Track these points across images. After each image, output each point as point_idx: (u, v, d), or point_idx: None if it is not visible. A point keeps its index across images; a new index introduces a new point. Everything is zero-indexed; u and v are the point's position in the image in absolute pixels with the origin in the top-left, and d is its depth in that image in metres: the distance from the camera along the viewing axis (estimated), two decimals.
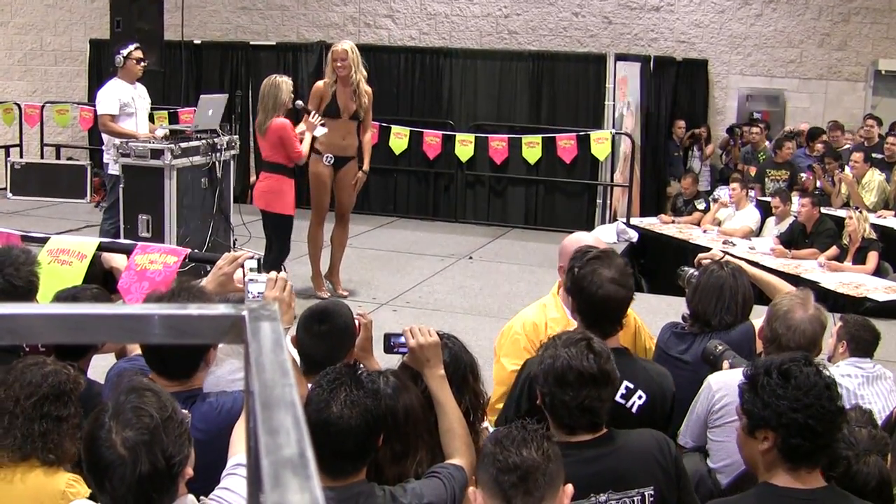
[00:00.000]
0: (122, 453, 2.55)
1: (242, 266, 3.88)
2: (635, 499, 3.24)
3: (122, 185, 9.58)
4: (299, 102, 9.26)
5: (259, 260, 3.91)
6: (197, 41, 16.67)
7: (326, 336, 3.83)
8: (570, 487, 2.80)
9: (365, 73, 9.38)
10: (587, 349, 3.29)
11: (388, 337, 3.71)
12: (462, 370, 3.70)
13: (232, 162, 10.60)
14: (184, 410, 2.85)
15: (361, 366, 3.28)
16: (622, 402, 3.77)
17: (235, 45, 16.49)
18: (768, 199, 12.54)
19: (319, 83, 9.43)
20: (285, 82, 8.93)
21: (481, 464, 2.83)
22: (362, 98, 9.33)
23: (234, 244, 10.39)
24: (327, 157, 9.38)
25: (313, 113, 9.08)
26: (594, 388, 3.25)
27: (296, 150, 8.89)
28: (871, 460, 3.43)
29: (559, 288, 4.55)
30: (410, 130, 14.79)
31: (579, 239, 4.59)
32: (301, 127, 9.11)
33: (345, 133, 9.40)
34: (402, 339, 3.63)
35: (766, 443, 3.04)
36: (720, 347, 4.38)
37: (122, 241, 8.07)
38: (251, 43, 16.39)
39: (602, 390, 3.27)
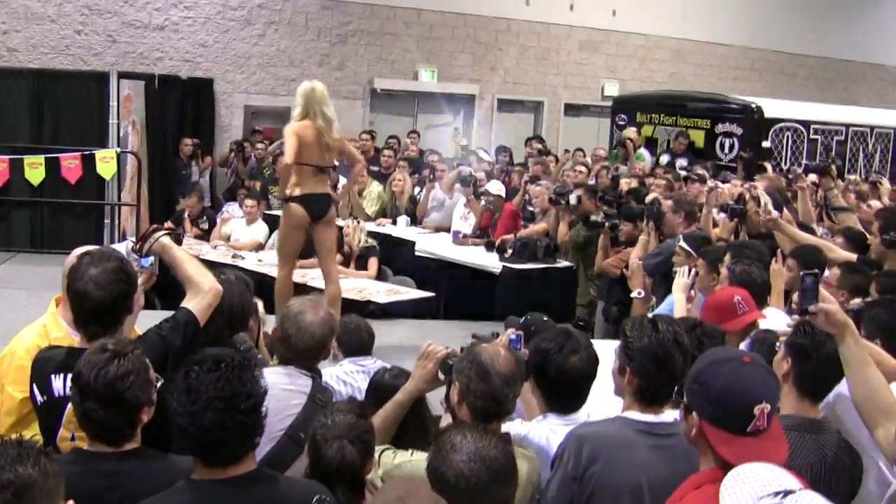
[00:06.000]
0: None
1: None
2: None
3: None
4: None
5: None
6: None
7: None
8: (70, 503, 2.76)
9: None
10: (105, 362, 3.25)
11: None
12: None
13: None
14: None
15: None
16: None
17: None
18: (275, 212, 13.00)
19: None
20: None
21: None
22: None
23: None
24: None
25: None
26: (95, 403, 3.23)
27: None
28: (335, 445, 3.56)
29: (57, 305, 4.40)
30: None
31: (79, 251, 4.18)
32: None
33: None
34: None
35: None
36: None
37: None
38: None
39: (107, 408, 3.25)
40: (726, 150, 15.59)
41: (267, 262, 11.32)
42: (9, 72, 14.95)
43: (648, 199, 10.17)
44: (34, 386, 3.77)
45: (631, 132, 15.67)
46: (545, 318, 5.23)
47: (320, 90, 8.80)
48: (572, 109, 20.98)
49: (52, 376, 3.66)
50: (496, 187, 12.48)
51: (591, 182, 12.66)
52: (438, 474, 3.09)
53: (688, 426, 3.16)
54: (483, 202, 12.41)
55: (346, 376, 5.44)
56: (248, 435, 3.11)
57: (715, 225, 8.91)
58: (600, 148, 15.52)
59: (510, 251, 10.93)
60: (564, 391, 4.13)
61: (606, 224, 9.83)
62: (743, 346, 4.71)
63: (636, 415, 3.77)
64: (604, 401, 4.18)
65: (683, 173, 12.44)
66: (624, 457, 3.65)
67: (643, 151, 15.65)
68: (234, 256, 11.66)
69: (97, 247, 4.18)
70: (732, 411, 3.03)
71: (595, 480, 3.62)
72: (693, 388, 3.13)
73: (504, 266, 10.81)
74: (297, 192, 8.59)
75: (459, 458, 3.07)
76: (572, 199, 10.98)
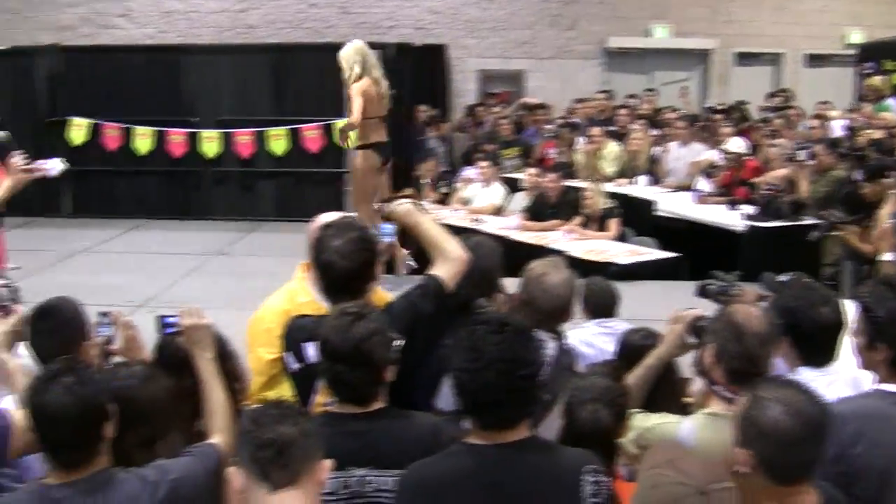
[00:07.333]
0: None
1: None
2: (390, 480, 3.22)
3: None
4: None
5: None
6: None
7: (52, 332, 3.85)
8: (328, 462, 2.80)
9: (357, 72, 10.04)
10: (349, 324, 3.30)
11: (160, 318, 3.75)
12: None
13: None
14: None
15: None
16: None
17: None
18: (510, 175, 13.03)
19: None
20: None
21: (240, 443, 2.80)
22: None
23: None
24: None
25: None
26: (344, 365, 3.27)
27: None
28: (589, 408, 3.60)
29: (305, 271, 4.47)
30: (154, 130, 14.48)
31: (323, 217, 4.38)
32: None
33: None
34: (174, 320, 3.69)
35: None
36: None
37: None
38: None
39: (355, 369, 3.28)
40: None
41: (507, 226, 11.28)
42: (249, 48, 15.49)
43: None
44: (289, 354, 3.85)
45: (876, 80, 14.86)
46: (806, 279, 4.97)
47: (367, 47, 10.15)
48: (814, 60, 20.06)
49: (305, 344, 3.72)
50: (737, 144, 12.09)
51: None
52: (753, 420, 2.88)
53: None
54: (724, 160, 12.01)
55: (593, 338, 5.35)
56: (526, 401, 3.11)
57: None
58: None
59: (756, 210, 10.59)
60: (820, 343, 3.89)
61: (829, 227, 9.46)
62: None
63: (894, 387, 3.49)
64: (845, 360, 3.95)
65: None
66: (889, 434, 3.38)
67: (890, 101, 14.78)
68: (473, 220, 11.63)
69: (338, 215, 4.26)
70: None
71: (860, 461, 3.35)
72: None
73: (748, 225, 10.48)
74: (371, 140, 10.03)
75: (778, 409, 2.86)
76: (802, 156, 10.63)
